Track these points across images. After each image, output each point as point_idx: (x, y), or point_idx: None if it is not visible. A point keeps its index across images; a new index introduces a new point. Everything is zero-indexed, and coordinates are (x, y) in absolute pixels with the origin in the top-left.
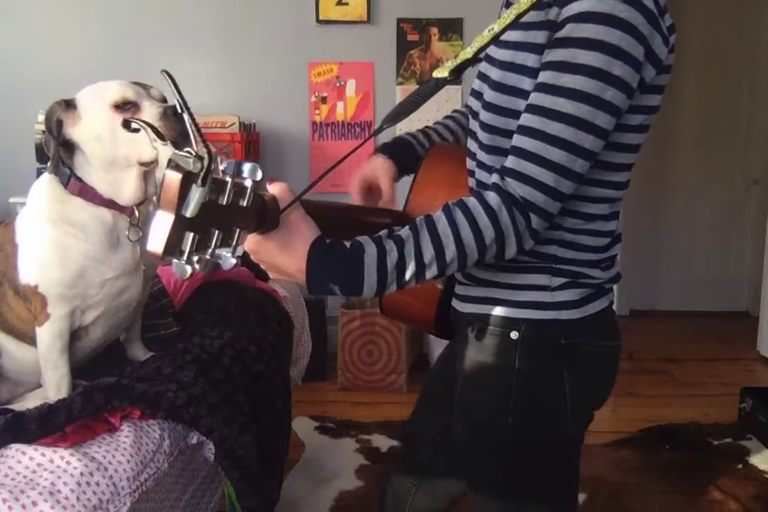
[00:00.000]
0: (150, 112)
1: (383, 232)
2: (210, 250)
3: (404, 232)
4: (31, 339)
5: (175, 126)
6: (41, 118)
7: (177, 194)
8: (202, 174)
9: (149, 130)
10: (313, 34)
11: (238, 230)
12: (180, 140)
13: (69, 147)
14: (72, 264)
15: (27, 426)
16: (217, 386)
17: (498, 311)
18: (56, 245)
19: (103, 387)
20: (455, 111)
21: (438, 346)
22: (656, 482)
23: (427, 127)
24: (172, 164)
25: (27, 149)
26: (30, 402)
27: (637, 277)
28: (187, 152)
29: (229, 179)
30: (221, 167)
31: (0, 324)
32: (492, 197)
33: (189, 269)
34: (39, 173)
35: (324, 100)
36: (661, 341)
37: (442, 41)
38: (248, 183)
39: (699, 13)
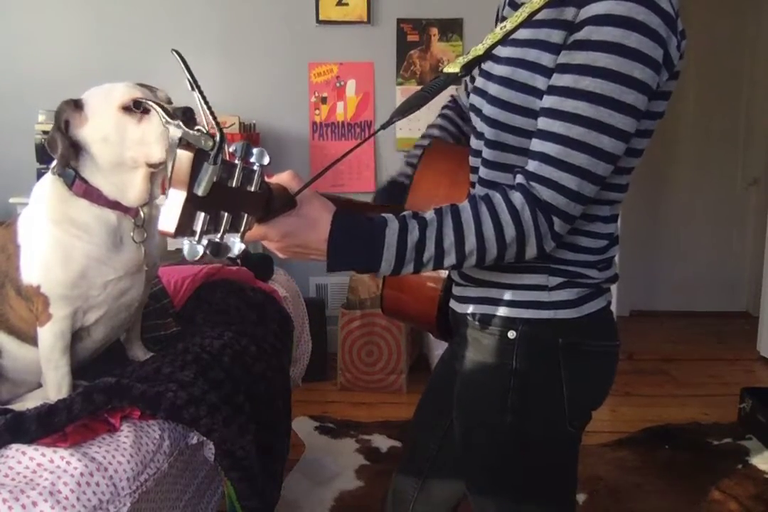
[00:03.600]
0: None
1: (407, 212)
2: (220, 234)
3: (428, 215)
4: (32, 340)
5: None
6: (41, 118)
7: (189, 172)
8: (213, 152)
9: (160, 110)
10: (313, 35)
11: (246, 216)
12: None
13: (74, 148)
14: (75, 264)
15: (27, 427)
16: (217, 386)
17: (495, 311)
18: (59, 246)
19: (103, 387)
20: (439, 116)
21: (438, 346)
22: (656, 482)
23: (409, 156)
24: (184, 142)
25: (27, 149)
26: (30, 402)
27: (637, 277)
28: (198, 131)
29: (238, 162)
30: (230, 149)
31: (1, 324)
32: (517, 197)
33: (200, 250)
34: (39, 173)
35: (324, 100)
36: (660, 341)
37: (442, 41)
38: (256, 167)
39: (699, 13)
